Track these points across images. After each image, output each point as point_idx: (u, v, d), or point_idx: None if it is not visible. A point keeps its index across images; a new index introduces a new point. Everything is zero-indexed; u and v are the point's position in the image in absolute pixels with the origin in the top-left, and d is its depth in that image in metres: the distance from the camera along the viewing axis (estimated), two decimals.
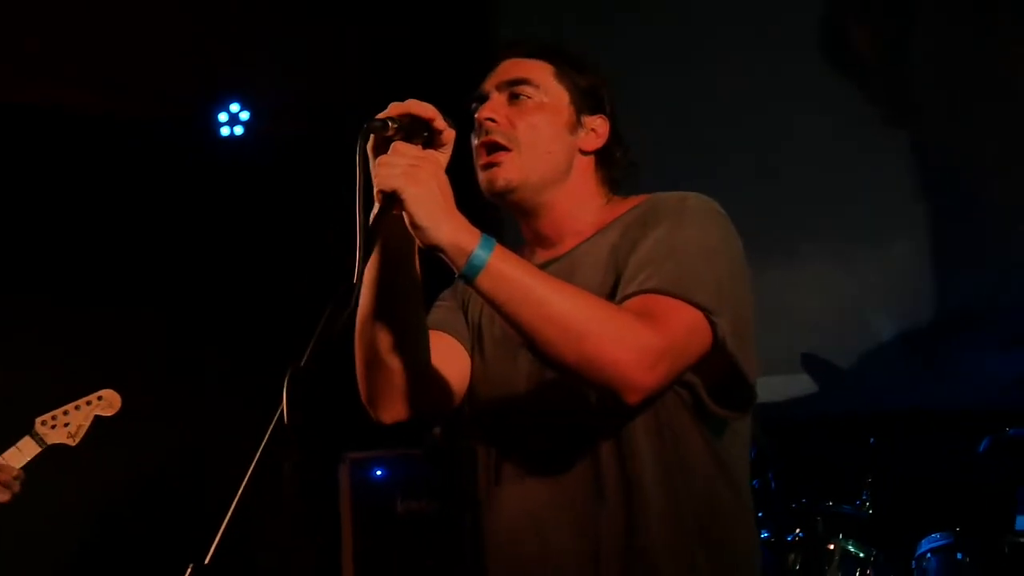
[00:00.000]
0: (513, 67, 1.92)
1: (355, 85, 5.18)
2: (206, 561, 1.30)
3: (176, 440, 5.01)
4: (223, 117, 5.25)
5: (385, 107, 1.70)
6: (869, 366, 4.46)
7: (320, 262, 2.93)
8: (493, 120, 1.85)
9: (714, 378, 1.79)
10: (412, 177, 1.61)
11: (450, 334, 1.93)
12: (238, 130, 5.26)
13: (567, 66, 1.94)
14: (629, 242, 1.82)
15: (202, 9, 5.03)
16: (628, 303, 1.71)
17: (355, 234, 1.56)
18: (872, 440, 3.76)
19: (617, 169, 1.96)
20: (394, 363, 1.81)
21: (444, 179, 1.65)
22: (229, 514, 1.32)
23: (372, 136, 1.65)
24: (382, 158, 1.64)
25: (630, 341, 1.65)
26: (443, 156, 1.70)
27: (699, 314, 1.70)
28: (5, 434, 3.28)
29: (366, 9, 5.44)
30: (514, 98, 1.89)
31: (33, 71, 4.79)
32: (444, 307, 1.97)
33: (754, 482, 3.77)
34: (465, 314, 1.98)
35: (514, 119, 1.87)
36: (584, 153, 1.92)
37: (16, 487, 3.21)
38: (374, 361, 1.82)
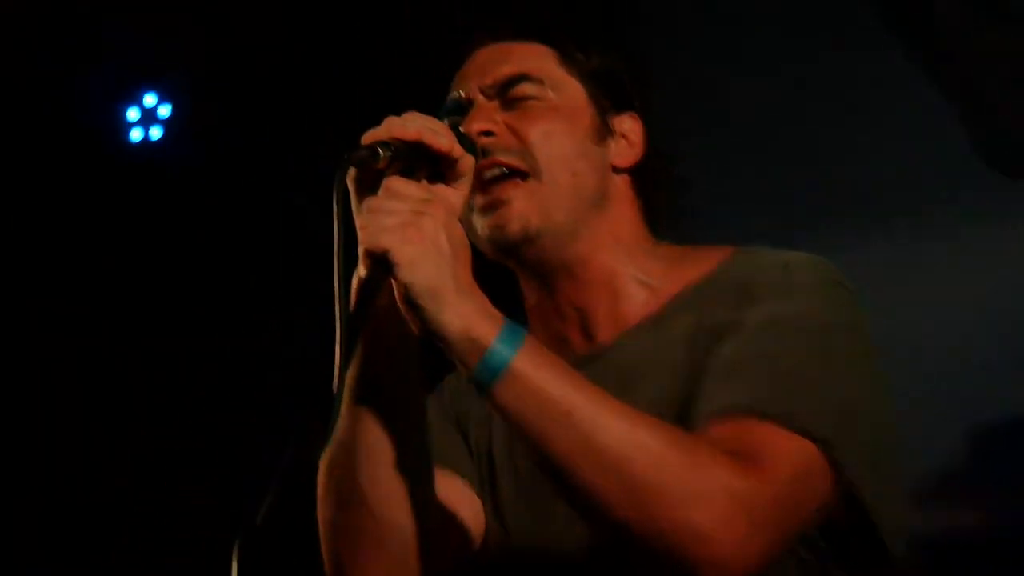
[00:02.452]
0: (501, 57, 1.66)
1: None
2: None
3: None
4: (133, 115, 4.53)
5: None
6: None
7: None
8: (491, 133, 1.59)
9: (837, 530, 1.54)
10: (413, 231, 1.36)
11: (452, 471, 1.66)
12: (155, 132, 4.52)
13: (574, 47, 1.68)
14: (711, 333, 1.54)
15: None
16: (711, 432, 1.44)
17: (337, 318, 1.35)
18: None
19: (662, 191, 1.71)
20: (384, 516, 1.53)
21: (458, 232, 1.42)
22: None
23: (354, 170, 1.43)
24: (370, 202, 1.40)
25: (716, 497, 1.38)
26: (457, 194, 1.45)
27: (813, 448, 1.45)
28: None
29: None
30: (512, 103, 1.63)
31: None
32: (434, 429, 1.64)
33: None
34: (465, 438, 1.72)
35: (520, 130, 1.60)
36: (617, 171, 1.66)
37: None
38: (353, 513, 1.54)
